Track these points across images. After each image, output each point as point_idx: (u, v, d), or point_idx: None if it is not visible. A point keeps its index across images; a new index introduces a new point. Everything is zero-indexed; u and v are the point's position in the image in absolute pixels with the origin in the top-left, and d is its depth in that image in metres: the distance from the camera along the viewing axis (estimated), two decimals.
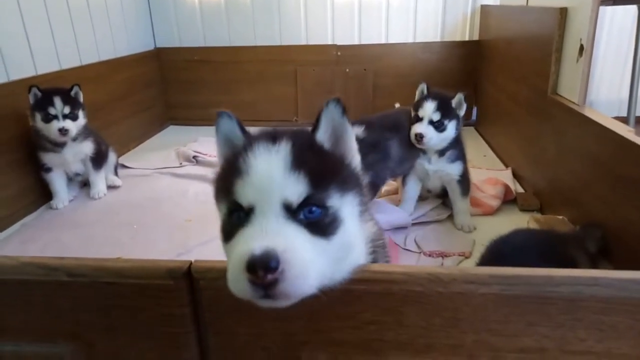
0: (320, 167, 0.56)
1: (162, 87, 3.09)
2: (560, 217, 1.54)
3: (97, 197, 2.01)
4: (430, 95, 1.63)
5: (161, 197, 2.02)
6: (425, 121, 1.59)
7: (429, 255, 1.50)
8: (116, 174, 2.20)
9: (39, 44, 2.04)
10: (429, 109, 1.59)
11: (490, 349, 0.58)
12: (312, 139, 0.60)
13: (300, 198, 0.53)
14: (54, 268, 0.58)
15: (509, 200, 1.82)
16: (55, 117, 1.80)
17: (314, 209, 0.53)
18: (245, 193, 0.54)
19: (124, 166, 2.34)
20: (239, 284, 0.50)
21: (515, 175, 2.08)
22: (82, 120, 1.89)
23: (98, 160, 2.01)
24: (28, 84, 1.81)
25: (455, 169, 1.67)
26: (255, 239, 0.50)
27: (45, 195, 1.96)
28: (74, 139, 1.89)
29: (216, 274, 0.58)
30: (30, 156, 1.89)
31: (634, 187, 1.17)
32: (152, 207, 1.92)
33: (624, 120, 2.15)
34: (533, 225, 1.53)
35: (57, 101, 1.80)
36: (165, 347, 0.62)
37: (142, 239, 1.67)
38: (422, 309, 0.57)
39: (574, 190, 1.51)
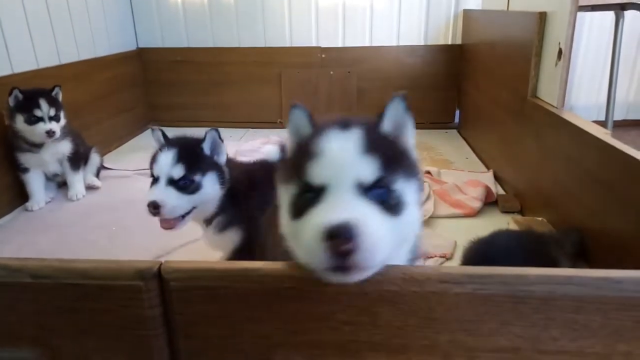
0: (389, 153, 0.59)
1: (144, 88, 3.05)
2: (540, 218, 1.56)
3: (76, 198, 1.97)
4: (168, 143, 1.12)
5: (141, 198, 1.95)
6: (163, 182, 1.08)
7: None
8: (98, 175, 2.16)
9: (15, 42, 1.99)
10: (164, 162, 1.08)
11: (465, 348, 0.57)
12: (379, 128, 0.63)
13: (372, 178, 0.56)
14: (16, 269, 0.56)
15: (490, 202, 1.84)
16: (41, 119, 1.77)
17: (383, 189, 0.56)
18: (319, 173, 0.56)
19: (103, 167, 2.29)
20: (315, 253, 0.51)
21: (496, 177, 2.10)
22: (63, 121, 1.86)
23: (76, 160, 1.97)
24: (4, 82, 1.77)
25: (228, 240, 1.16)
26: (332, 211, 0.52)
27: (21, 196, 1.91)
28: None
29: (187, 275, 0.57)
30: (6, 156, 1.84)
31: (611, 189, 1.19)
32: (132, 208, 1.88)
33: (603, 124, 2.18)
34: (513, 227, 1.55)
35: (43, 103, 1.77)
36: (134, 350, 0.60)
37: (121, 241, 1.64)
38: (396, 309, 0.57)
39: (554, 192, 1.52)
